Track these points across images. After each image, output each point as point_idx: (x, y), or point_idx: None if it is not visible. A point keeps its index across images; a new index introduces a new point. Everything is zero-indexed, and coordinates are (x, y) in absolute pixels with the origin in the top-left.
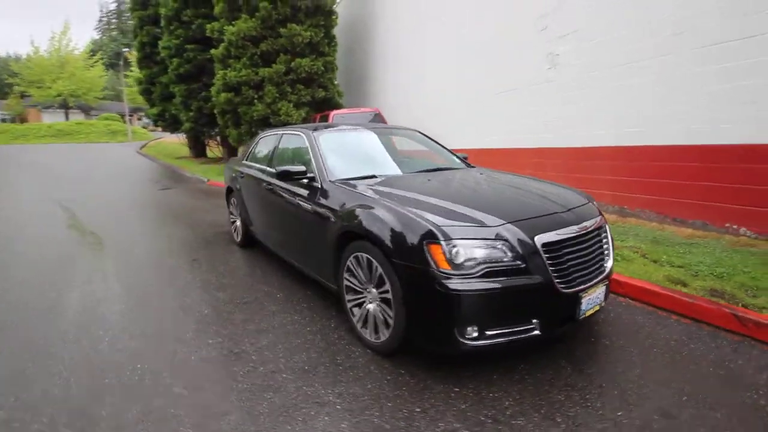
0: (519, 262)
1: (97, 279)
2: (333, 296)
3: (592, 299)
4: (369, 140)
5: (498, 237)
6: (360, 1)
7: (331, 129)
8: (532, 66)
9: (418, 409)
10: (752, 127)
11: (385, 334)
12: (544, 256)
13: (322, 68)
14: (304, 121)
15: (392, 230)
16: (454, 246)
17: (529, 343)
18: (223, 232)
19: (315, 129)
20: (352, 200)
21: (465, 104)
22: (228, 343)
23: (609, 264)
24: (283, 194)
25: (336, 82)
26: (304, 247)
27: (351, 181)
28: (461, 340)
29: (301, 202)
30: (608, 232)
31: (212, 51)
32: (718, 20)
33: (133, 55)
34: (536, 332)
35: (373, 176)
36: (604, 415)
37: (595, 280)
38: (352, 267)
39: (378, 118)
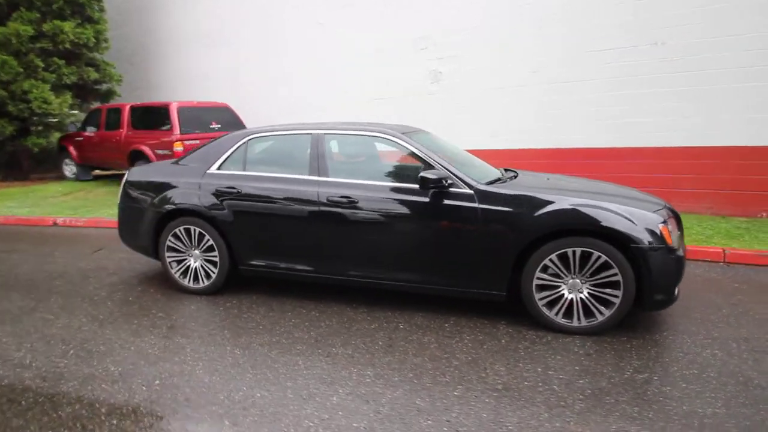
0: (679, 232)
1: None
2: (463, 307)
3: None
4: (437, 144)
5: (672, 216)
6: None
7: (405, 132)
8: (415, 79)
9: (689, 352)
10: (582, 136)
11: (604, 315)
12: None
13: (94, 39)
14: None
15: (631, 221)
16: (671, 224)
17: None
18: (116, 283)
19: (402, 132)
20: (532, 203)
21: (336, 109)
22: (496, 393)
23: None
24: (388, 207)
25: (110, 62)
26: (441, 260)
27: (495, 185)
28: (676, 296)
29: (444, 213)
30: None
31: None
32: (572, 66)
33: None
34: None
35: (499, 179)
36: (728, 321)
37: None
38: (552, 264)
39: (230, 114)
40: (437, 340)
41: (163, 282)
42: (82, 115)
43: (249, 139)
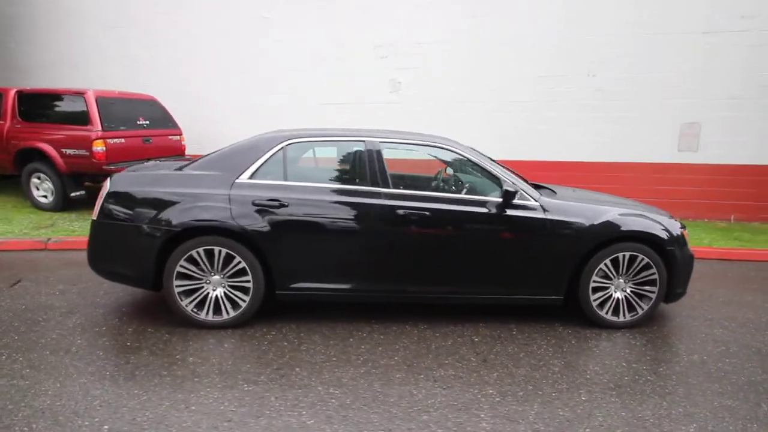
0: None
1: None
2: (512, 313)
3: None
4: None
5: None
6: None
7: (451, 142)
8: (374, 87)
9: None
10: (533, 152)
11: (643, 309)
12: None
13: None
14: None
15: (666, 228)
16: (686, 229)
17: None
18: (85, 325)
19: (454, 143)
20: (591, 214)
21: (283, 111)
22: (614, 392)
23: None
24: (459, 219)
25: None
26: (511, 270)
27: (551, 198)
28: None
29: (516, 225)
30: None
31: None
32: (521, 87)
33: None
34: None
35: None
36: (709, 305)
37: None
38: (605, 267)
39: (159, 109)
40: (521, 349)
41: (156, 317)
42: None
43: (287, 144)
